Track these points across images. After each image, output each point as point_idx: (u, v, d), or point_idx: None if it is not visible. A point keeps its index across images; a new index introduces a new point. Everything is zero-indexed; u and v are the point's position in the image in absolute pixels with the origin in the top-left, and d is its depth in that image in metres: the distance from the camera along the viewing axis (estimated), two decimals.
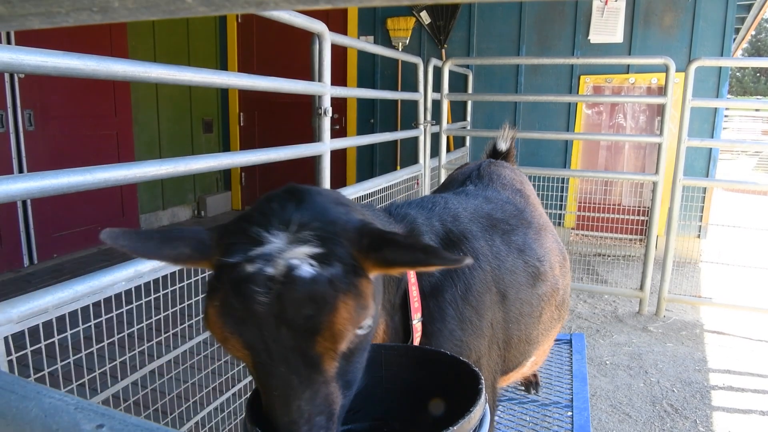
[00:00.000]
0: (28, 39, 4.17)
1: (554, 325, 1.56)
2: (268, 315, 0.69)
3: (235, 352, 0.73)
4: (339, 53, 5.66)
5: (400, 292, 1.05)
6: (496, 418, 1.98)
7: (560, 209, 4.99)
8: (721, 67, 4.69)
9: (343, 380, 0.75)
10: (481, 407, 0.76)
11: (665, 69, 3.50)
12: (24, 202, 4.38)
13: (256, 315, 0.69)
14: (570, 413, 2.05)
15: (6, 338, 1.16)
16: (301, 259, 0.70)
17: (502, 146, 2.22)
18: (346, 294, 0.71)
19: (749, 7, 6.06)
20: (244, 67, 6.35)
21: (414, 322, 1.05)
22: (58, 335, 1.34)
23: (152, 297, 1.61)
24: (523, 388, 2.21)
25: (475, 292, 1.20)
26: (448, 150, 5.00)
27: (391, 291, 1.03)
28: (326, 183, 2.30)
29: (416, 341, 1.06)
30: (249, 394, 0.84)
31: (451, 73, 3.95)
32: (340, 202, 0.83)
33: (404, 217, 1.21)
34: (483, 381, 0.80)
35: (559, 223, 5.18)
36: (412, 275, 1.07)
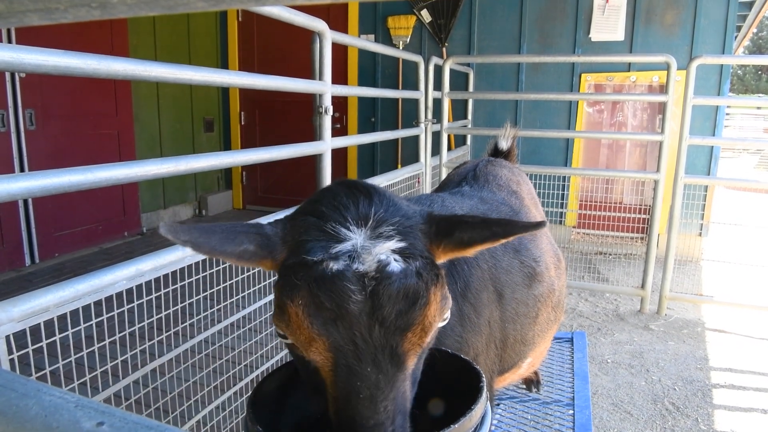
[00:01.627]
0: (28, 38, 4.17)
1: (550, 327, 1.56)
2: (361, 313, 0.67)
3: (315, 355, 0.70)
4: (340, 52, 5.65)
5: None
6: (498, 416, 1.98)
7: (561, 207, 4.99)
8: (722, 65, 4.68)
9: (414, 378, 0.75)
10: (482, 405, 0.76)
11: (666, 67, 3.49)
12: (25, 202, 4.38)
13: (349, 314, 0.67)
14: (571, 411, 2.05)
15: (7, 337, 1.16)
16: (388, 254, 0.70)
17: (503, 145, 2.22)
18: (435, 286, 0.71)
19: (751, 4, 6.04)
20: (245, 66, 6.34)
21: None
22: (59, 334, 1.35)
23: (153, 296, 1.61)
24: (524, 386, 2.21)
25: (473, 289, 1.20)
26: (449, 148, 4.99)
27: None
28: (327, 182, 2.30)
29: None
30: (249, 393, 0.84)
31: (451, 71, 3.95)
32: (395, 195, 0.83)
33: None
34: (484, 379, 0.80)
35: (561, 222, 5.18)
36: None
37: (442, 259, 0.77)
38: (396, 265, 0.69)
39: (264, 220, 1.20)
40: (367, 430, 0.67)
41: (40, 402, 0.33)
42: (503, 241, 0.75)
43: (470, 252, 0.78)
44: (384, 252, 0.70)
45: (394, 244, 0.71)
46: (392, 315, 0.67)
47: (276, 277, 0.75)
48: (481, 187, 1.63)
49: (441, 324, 0.74)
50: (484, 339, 1.23)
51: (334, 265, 0.68)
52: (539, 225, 0.73)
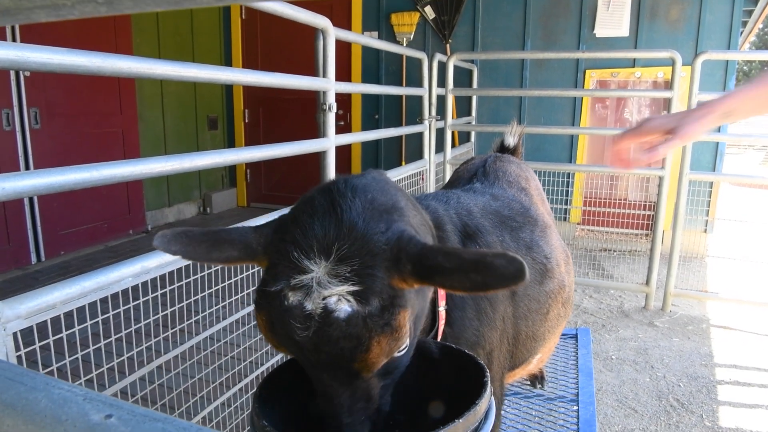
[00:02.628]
0: (33, 38, 4.19)
1: (560, 323, 1.57)
2: (308, 343, 0.74)
3: (286, 353, 0.82)
4: (343, 49, 5.65)
5: None
6: (502, 412, 1.99)
7: (566, 204, 4.98)
8: (728, 61, 4.66)
9: (385, 376, 0.82)
10: (487, 399, 0.76)
11: (671, 63, 3.48)
12: (31, 200, 4.40)
13: (296, 343, 0.75)
14: (576, 408, 2.05)
15: (15, 334, 1.17)
16: (338, 297, 0.73)
17: (510, 141, 2.22)
18: (380, 334, 0.74)
19: (756, 0, 6.01)
20: (249, 64, 6.35)
21: (440, 308, 1.08)
22: (65, 331, 1.35)
23: (159, 293, 1.62)
24: (528, 382, 2.21)
25: None
26: (453, 145, 4.99)
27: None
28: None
29: (441, 327, 1.08)
30: (255, 388, 0.84)
31: (455, 68, 3.95)
32: (385, 207, 0.82)
33: (427, 207, 1.22)
34: (488, 373, 0.80)
35: (565, 218, 5.17)
36: None
37: (410, 287, 0.78)
38: (342, 310, 0.73)
39: (267, 218, 1.20)
40: (327, 416, 0.77)
41: (50, 395, 0.34)
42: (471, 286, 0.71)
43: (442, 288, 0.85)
44: (334, 294, 0.73)
45: (348, 287, 0.74)
46: (334, 351, 0.74)
47: None
48: (492, 184, 1.64)
49: (399, 353, 0.79)
50: (498, 334, 1.24)
51: (288, 299, 0.75)
52: (521, 279, 0.66)
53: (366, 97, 5.92)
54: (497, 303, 1.23)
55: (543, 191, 1.88)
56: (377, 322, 0.73)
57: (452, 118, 4.02)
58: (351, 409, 0.77)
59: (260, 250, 0.80)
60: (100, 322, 1.44)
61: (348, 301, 0.73)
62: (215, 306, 1.90)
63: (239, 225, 0.95)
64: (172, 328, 1.73)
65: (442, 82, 3.87)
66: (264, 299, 0.77)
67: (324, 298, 0.73)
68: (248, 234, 0.81)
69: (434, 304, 1.06)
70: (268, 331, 0.78)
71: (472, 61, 5.27)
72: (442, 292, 1.08)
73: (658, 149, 1.17)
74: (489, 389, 0.77)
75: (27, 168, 4.34)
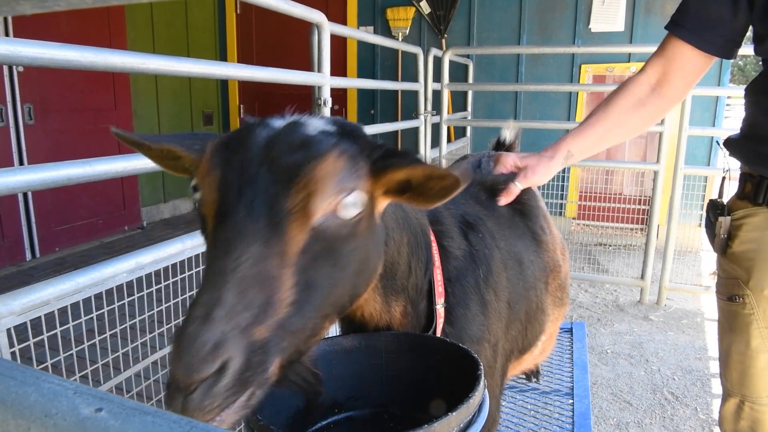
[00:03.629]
0: (26, 33, 4.16)
1: (558, 307, 1.57)
2: (257, 150, 0.66)
3: (205, 194, 0.67)
4: (339, 44, 5.64)
5: (427, 276, 1.04)
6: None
7: (561, 199, 4.99)
8: None
9: (302, 283, 0.64)
10: (480, 393, 0.76)
11: None
12: (25, 197, 4.38)
13: (245, 148, 0.66)
14: (571, 401, 2.06)
15: (8, 330, 1.16)
16: (310, 122, 0.72)
17: (507, 138, 2.22)
18: (339, 154, 0.67)
19: None
20: (244, 59, 6.33)
21: (437, 307, 1.05)
22: (60, 327, 1.35)
23: (154, 288, 1.62)
24: (524, 376, 2.22)
25: (494, 273, 1.20)
26: (449, 140, 4.99)
27: (419, 274, 1.01)
28: None
29: (439, 327, 1.05)
30: None
31: (451, 63, 3.94)
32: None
33: None
34: (482, 367, 0.80)
35: (561, 213, 5.18)
36: (436, 258, 1.06)
37: (382, 199, 0.76)
38: (312, 126, 0.70)
39: None
40: (206, 289, 0.58)
41: (39, 389, 0.34)
42: (428, 177, 0.71)
43: (407, 196, 0.75)
44: (307, 120, 0.72)
45: (325, 124, 0.72)
46: (281, 157, 0.65)
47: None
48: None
49: (342, 212, 0.67)
50: (504, 323, 1.23)
51: (261, 123, 0.72)
52: (468, 174, 0.72)
53: (361, 93, 5.91)
54: (501, 290, 1.22)
55: (538, 192, 1.88)
56: (340, 145, 0.69)
57: (448, 113, 4.01)
58: (240, 288, 0.57)
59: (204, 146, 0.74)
60: (95, 319, 1.44)
61: (323, 129, 0.72)
62: None
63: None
64: (167, 324, 1.73)
65: (437, 77, 3.86)
66: (225, 135, 0.73)
67: (296, 119, 0.72)
68: (199, 135, 0.79)
69: (431, 302, 1.05)
70: (214, 151, 0.68)
71: (467, 56, 5.26)
72: (440, 289, 1.06)
73: (508, 194, 1.40)
74: (483, 383, 0.78)
75: (21, 164, 4.32)
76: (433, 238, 1.07)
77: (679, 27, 1.31)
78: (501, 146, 2.23)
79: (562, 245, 1.66)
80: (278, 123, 0.72)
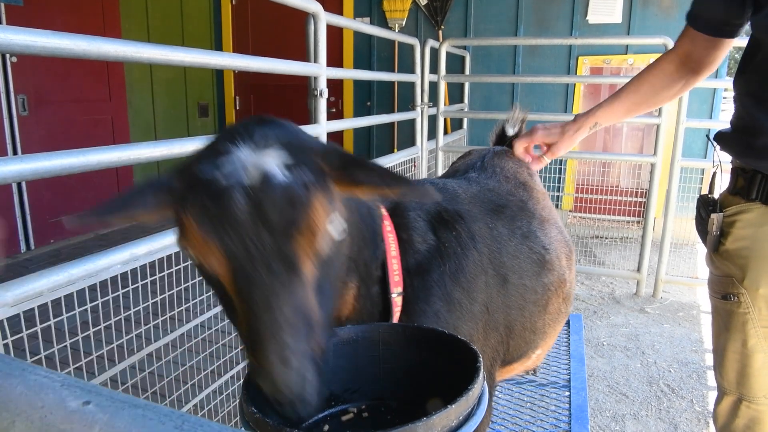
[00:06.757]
0: (18, 23, 4.12)
1: (559, 319, 1.51)
2: (247, 218, 0.70)
3: (214, 263, 0.72)
4: (335, 34, 5.60)
5: (377, 261, 1.03)
6: (494, 398, 1.99)
7: (558, 191, 4.98)
8: None
9: (319, 293, 0.76)
10: (479, 385, 0.75)
11: (664, 49, 3.46)
12: (19, 188, 4.35)
13: (235, 219, 0.69)
14: (567, 393, 2.06)
15: (1, 322, 1.15)
16: (273, 163, 0.73)
17: (510, 131, 2.09)
18: (319, 192, 0.74)
19: None
20: (239, 50, 6.28)
21: (393, 295, 1.04)
22: (54, 319, 1.34)
23: (148, 280, 1.61)
24: None
25: (467, 273, 1.17)
26: (446, 132, 4.97)
27: (367, 254, 1.02)
28: None
29: (395, 317, 1.04)
30: (246, 375, 0.83)
31: (448, 54, 3.92)
32: (305, 133, 0.86)
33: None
34: (481, 359, 0.79)
35: (557, 206, 5.18)
36: (393, 248, 1.05)
37: (339, 191, 0.80)
38: (278, 171, 0.72)
39: None
40: (269, 339, 0.69)
41: (26, 381, 0.32)
42: (389, 192, 0.79)
43: (359, 192, 0.81)
44: (269, 161, 0.73)
45: (280, 155, 0.74)
46: (276, 218, 0.70)
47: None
48: (489, 177, 1.58)
49: (333, 231, 0.76)
50: (482, 326, 1.20)
51: (221, 176, 0.72)
52: (430, 196, 0.77)
53: (358, 85, 5.88)
54: (476, 293, 1.18)
55: (544, 188, 1.82)
56: (314, 182, 0.74)
57: (444, 104, 3.99)
58: (293, 324, 0.70)
59: (174, 176, 0.76)
60: (89, 310, 1.43)
61: (284, 165, 0.73)
62: (206, 293, 1.89)
63: None
64: (162, 316, 1.72)
65: (434, 69, 3.84)
66: (191, 190, 0.72)
67: (260, 167, 0.72)
68: (156, 180, 0.77)
69: (386, 290, 1.03)
70: (198, 222, 0.71)
71: (464, 48, 5.24)
72: (397, 279, 1.05)
73: (539, 163, 1.71)
74: (482, 375, 0.77)
75: (15, 155, 4.28)
76: (391, 228, 1.08)
77: (691, 18, 1.37)
78: (505, 139, 2.15)
79: (569, 249, 1.59)
80: (242, 174, 0.72)
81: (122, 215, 0.76)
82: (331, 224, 0.75)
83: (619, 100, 1.52)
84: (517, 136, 2.07)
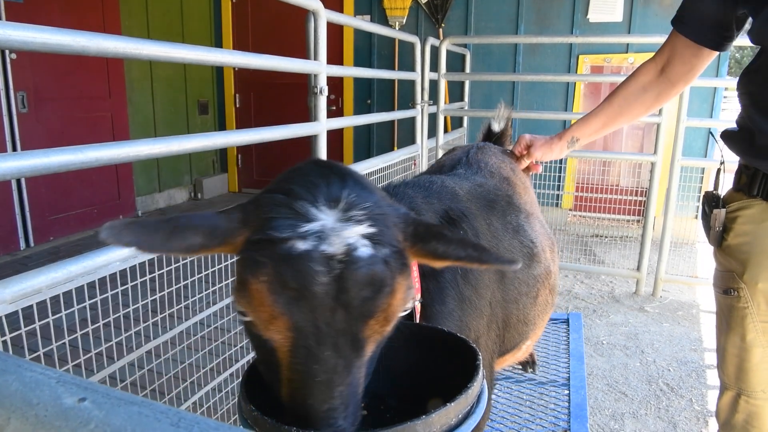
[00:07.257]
0: (17, 20, 4.11)
1: (547, 309, 1.57)
2: (326, 296, 0.66)
3: (274, 334, 0.68)
4: (335, 32, 5.59)
5: None
6: (494, 396, 1.99)
7: (558, 190, 4.98)
8: None
9: (369, 365, 0.74)
10: (479, 383, 0.75)
11: None
12: (19, 186, 4.35)
13: (313, 295, 0.65)
14: (567, 392, 2.06)
15: (0, 319, 1.15)
16: (357, 238, 0.68)
17: (496, 127, 2.17)
18: (402, 275, 0.70)
19: None
20: (240, 48, 6.27)
21: (415, 303, 1.03)
22: (52, 316, 1.34)
23: (147, 277, 1.60)
24: (520, 367, 2.22)
25: (474, 271, 1.18)
26: (446, 131, 4.97)
27: None
28: None
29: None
30: (244, 373, 0.83)
31: (448, 52, 3.91)
32: (371, 182, 0.81)
33: (403, 197, 1.20)
34: (481, 357, 0.79)
35: (557, 204, 5.18)
36: None
37: (413, 261, 0.76)
38: (364, 250, 0.67)
39: None
40: (320, 414, 0.67)
41: (21, 378, 0.32)
42: (473, 266, 0.76)
43: (438, 264, 0.76)
44: (353, 236, 0.68)
45: (364, 229, 0.69)
46: (357, 300, 0.66)
47: (238, 255, 0.72)
48: (475, 173, 1.62)
49: (403, 314, 0.74)
50: (486, 321, 1.21)
51: (302, 245, 0.66)
52: (513, 262, 0.73)
53: (358, 83, 5.87)
54: (483, 289, 1.20)
55: (527, 181, 1.87)
56: (398, 261, 0.70)
57: (445, 103, 3.99)
58: (348, 404, 0.69)
59: (235, 225, 0.70)
60: (88, 308, 1.42)
61: (369, 241, 0.68)
62: (205, 291, 1.89)
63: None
64: (161, 313, 1.72)
65: (434, 67, 3.83)
66: (266, 255, 0.67)
67: (344, 239, 0.67)
68: (213, 217, 0.71)
69: None
70: (271, 294, 0.66)
71: (465, 46, 5.23)
72: (417, 286, 1.04)
73: (521, 163, 1.83)
74: (481, 372, 0.77)
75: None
76: None
77: (677, 21, 1.39)
78: (491, 135, 2.20)
79: (551, 242, 1.64)
80: (326, 246, 0.67)
81: (161, 248, 0.68)
82: (406, 311, 0.74)
83: (595, 115, 1.59)
84: (503, 132, 2.16)
